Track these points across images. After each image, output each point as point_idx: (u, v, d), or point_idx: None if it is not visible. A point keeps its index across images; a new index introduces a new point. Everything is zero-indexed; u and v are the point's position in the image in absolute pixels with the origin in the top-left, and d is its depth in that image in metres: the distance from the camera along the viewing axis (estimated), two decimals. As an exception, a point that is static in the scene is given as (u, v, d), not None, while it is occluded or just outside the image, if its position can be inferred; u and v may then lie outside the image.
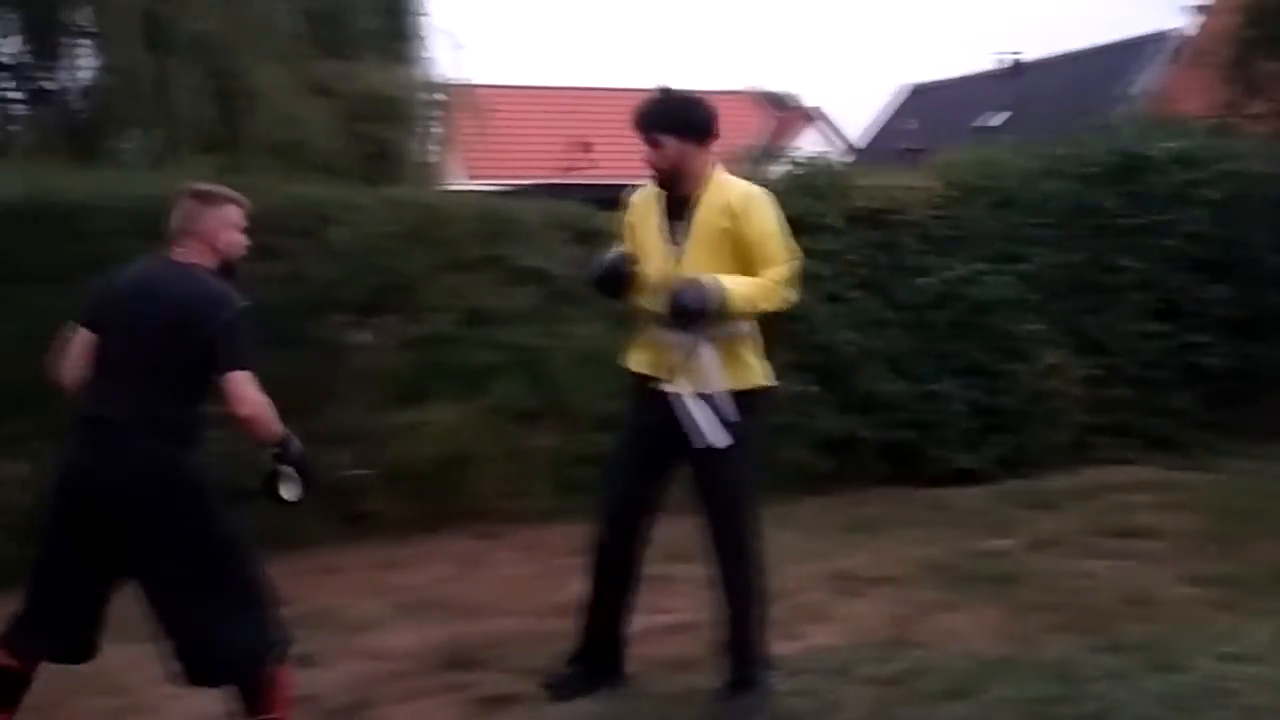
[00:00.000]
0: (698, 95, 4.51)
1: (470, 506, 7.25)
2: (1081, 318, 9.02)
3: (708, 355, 4.33)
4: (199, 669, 3.78)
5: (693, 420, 4.29)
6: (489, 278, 7.57)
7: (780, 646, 4.80)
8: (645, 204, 4.54)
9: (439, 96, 14.25)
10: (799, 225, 8.04)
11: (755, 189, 4.43)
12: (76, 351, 3.85)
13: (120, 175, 7.79)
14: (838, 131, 34.92)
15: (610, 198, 8.37)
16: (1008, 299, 8.68)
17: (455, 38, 31.32)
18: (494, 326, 7.51)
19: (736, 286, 4.25)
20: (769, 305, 4.38)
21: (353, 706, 4.56)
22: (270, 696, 3.82)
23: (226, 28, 12.09)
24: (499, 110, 22.24)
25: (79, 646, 3.87)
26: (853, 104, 67.83)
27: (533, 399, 7.54)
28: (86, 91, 12.86)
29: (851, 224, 8.50)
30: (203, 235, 3.89)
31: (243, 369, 3.70)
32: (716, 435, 4.28)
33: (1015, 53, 29.01)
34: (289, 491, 3.88)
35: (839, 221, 8.41)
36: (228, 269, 3.94)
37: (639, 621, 4.83)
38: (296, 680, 4.06)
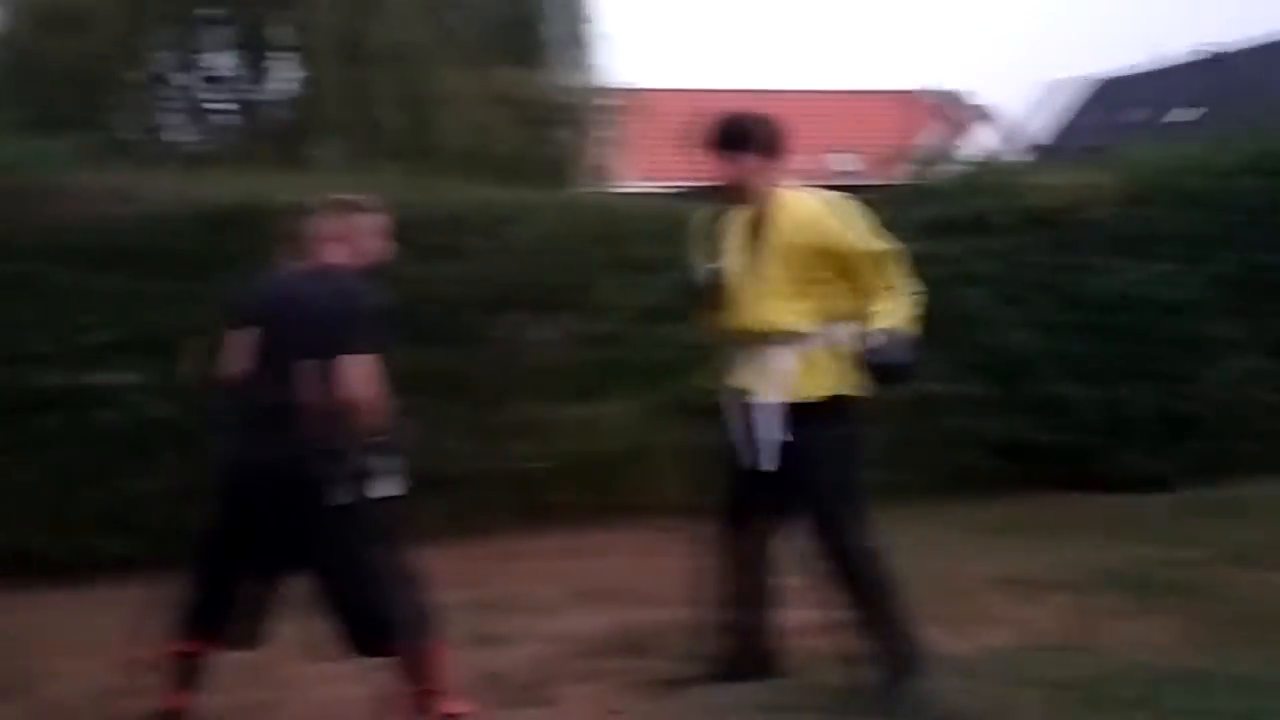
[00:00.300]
0: (765, 114, 4.56)
1: (646, 500, 7.35)
2: (1274, 320, 8.72)
3: (784, 365, 4.39)
4: (362, 637, 4.00)
5: (761, 430, 4.38)
6: (663, 277, 7.70)
7: (951, 645, 4.83)
8: (718, 223, 4.60)
9: (611, 101, 14.51)
10: (967, 225, 8.15)
11: (832, 198, 4.45)
12: (235, 349, 4.14)
13: (321, 180, 8.11)
14: (1017, 129, 34.16)
15: None
16: (1196, 301, 8.47)
17: (626, 42, 31.64)
18: (668, 324, 7.63)
19: (897, 316, 4.30)
20: (916, 310, 4.41)
21: (534, 684, 4.76)
22: (429, 671, 4.04)
23: (418, 39, 12.58)
24: (668, 112, 22.51)
25: (251, 632, 4.14)
26: (1034, 100, 65.71)
27: (706, 396, 7.62)
28: (289, 102, 13.55)
29: (1026, 223, 8.40)
30: (342, 241, 4.15)
31: (358, 353, 3.89)
32: (775, 445, 4.35)
33: (1211, 43, 27.61)
34: (383, 487, 3.98)
35: (1012, 221, 8.33)
36: (368, 274, 4.18)
37: (807, 615, 4.88)
38: (452, 659, 4.22)
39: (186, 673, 4.14)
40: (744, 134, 4.45)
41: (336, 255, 4.13)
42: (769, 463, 4.39)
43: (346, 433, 3.89)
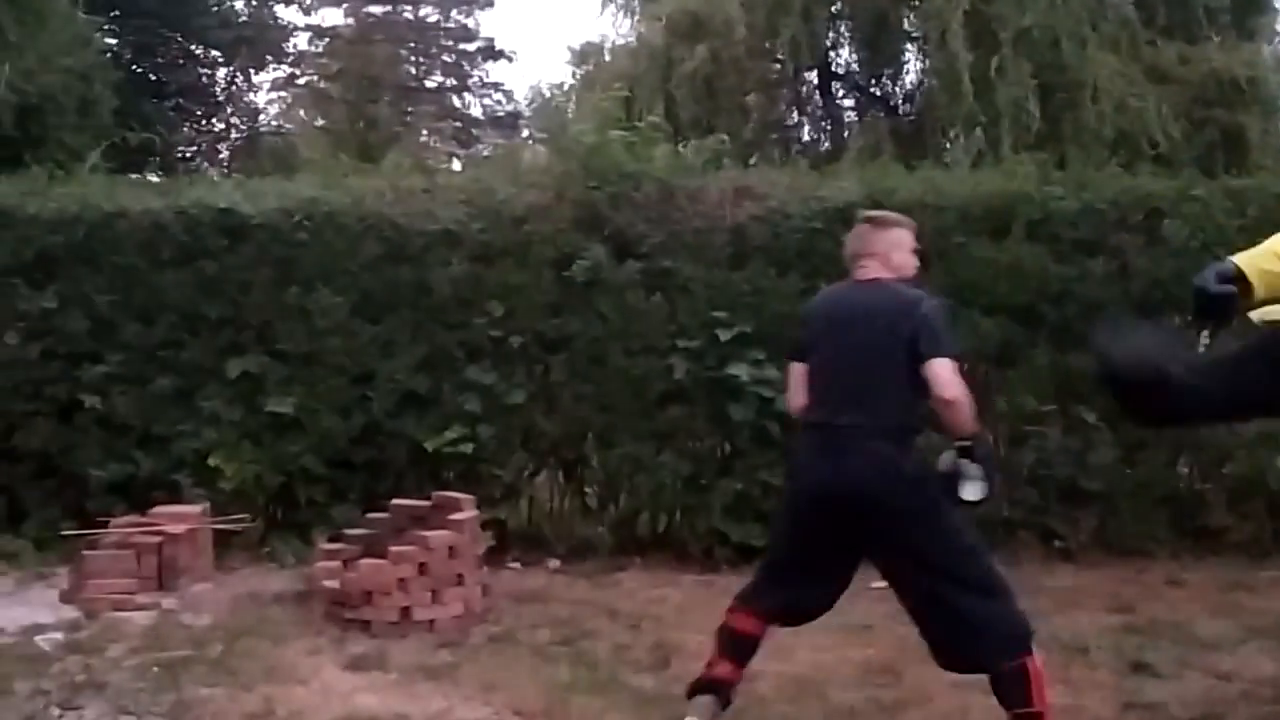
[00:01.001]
0: None
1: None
2: None
3: None
4: (954, 655, 4.05)
5: None
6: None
7: None
8: None
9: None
10: None
11: None
12: (797, 382, 4.39)
13: (945, 175, 8.09)
14: None
15: None
16: None
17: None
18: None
19: None
20: None
21: (1197, 720, 4.49)
22: (1030, 688, 3.93)
23: (1053, 19, 12.19)
24: None
25: (804, 613, 4.43)
26: None
27: None
28: (912, 94, 13.63)
29: None
30: (878, 256, 4.32)
31: (945, 357, 4.02)
32: None
33: None
34: (971, 491, 3.99)
35: None
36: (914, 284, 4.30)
37: None
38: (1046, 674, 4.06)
39: (739, 647, 4.37)
40: None
41: (874, 270, 4.31)
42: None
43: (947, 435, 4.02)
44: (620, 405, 7.25)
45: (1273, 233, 6.96)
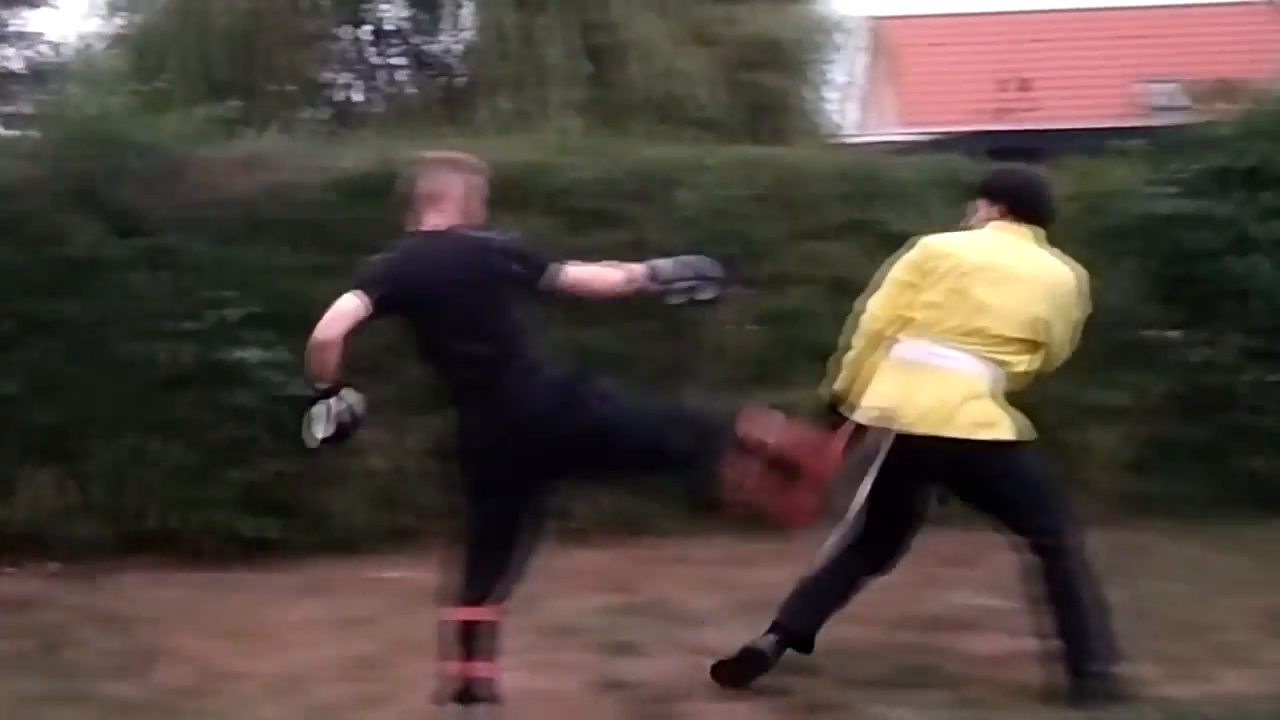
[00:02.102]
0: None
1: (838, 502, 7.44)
2: None
3: None
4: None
5: None
6: (856, 245, 7.75)
7: (1171, 687, 4.82)
8: None
9: (839, 36, 14.38)
10: (1257, 177, 7.80)
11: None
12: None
13: (470, 143, 8.39)
14: None
15: (1046, 148, 8.26)
16: None
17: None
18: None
19: None
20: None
21: (668, 698, 4.91)
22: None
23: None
24: (920, 46, 21.75)
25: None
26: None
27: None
28: (463, 55, 13.95)
29: None
30: (453, 200, 4.58)
31: (559, 262, 4.51)
32: None
33: None
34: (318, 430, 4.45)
35: None
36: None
37: (1007, 644, 5.21)
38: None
39: (473, 640, 4.56)
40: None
41: (447, 217, 4.55)
42: None
43: None
44: (123, 393, 7.27)
45: (782, 201, 7.82)
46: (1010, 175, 5.26)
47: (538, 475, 4.55)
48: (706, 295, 4.70)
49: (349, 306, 4.37)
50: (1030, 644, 5.19)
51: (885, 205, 7.84)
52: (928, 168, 8.12)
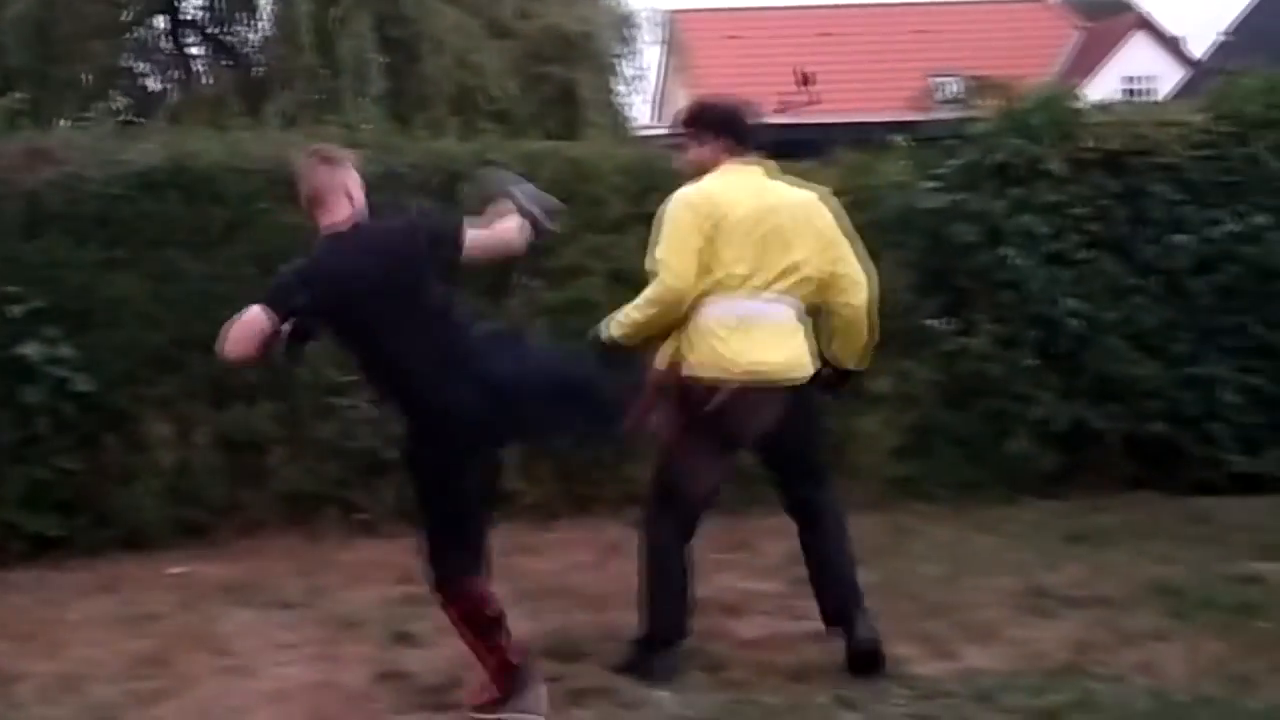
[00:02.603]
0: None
1: (620, 491, 7.56)
2: None
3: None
4: None
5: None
6: (637, 238, 7.90)
7: (926, 665, 5.03)
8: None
9: (632, 29, 14.56)
10: (1008, 173, 8.13)
11: (681, 191, 5.11)
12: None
13: (255, 137, 8.36)
14: (1175, 44, 33.16)
15: (826, 140, 8.47)
16: None
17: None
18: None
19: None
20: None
21: (443, 687, 4.99)
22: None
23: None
24: (717, 39, 22.05)
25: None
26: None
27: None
28: (261, 46, 13.82)
29: (1077, 169, 8.21)
30: (342, 194, 4.62)
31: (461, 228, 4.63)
32: None
33: None
34: None
35: (1059, 167, 8.17)
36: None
37: (768, 626, 5.41)
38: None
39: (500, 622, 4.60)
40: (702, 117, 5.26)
41: (339, 212, 4.57)
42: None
43: None
44: (-94, 391, 7.09)
45: (565, 195, 7.92)
46: (722, 107, 5.36)
47: (507, 440, 4.85)
48: (551, 226, 4.85)
49: (257, 325, 4.31)
50: (790, 626, 5.51)
51: (664, 199, 7.94)
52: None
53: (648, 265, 5.04)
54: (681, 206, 5.02)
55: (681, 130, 5.31)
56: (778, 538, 6.86)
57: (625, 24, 14.56)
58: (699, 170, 5.18)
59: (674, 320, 4.96)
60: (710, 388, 4.87)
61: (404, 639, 5.53)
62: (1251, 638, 5.33)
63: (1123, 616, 5.70)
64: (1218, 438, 8.03)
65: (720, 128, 5.17)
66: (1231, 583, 6.11)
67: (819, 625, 5.25)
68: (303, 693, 4.92)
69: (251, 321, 4.29)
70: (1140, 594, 6.00)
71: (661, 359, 5.03)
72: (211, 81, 14.29)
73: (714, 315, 4.91)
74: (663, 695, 4.82)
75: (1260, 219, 8.13)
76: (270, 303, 4.32)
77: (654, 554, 5.08)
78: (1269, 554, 6.56)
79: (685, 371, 4.94)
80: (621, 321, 5.05)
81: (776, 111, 19.46)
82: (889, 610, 5.41)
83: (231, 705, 4.87)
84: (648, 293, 5.00)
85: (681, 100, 20.45)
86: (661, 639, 5.06)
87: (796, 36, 25.42)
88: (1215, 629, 5.45)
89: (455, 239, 4.60)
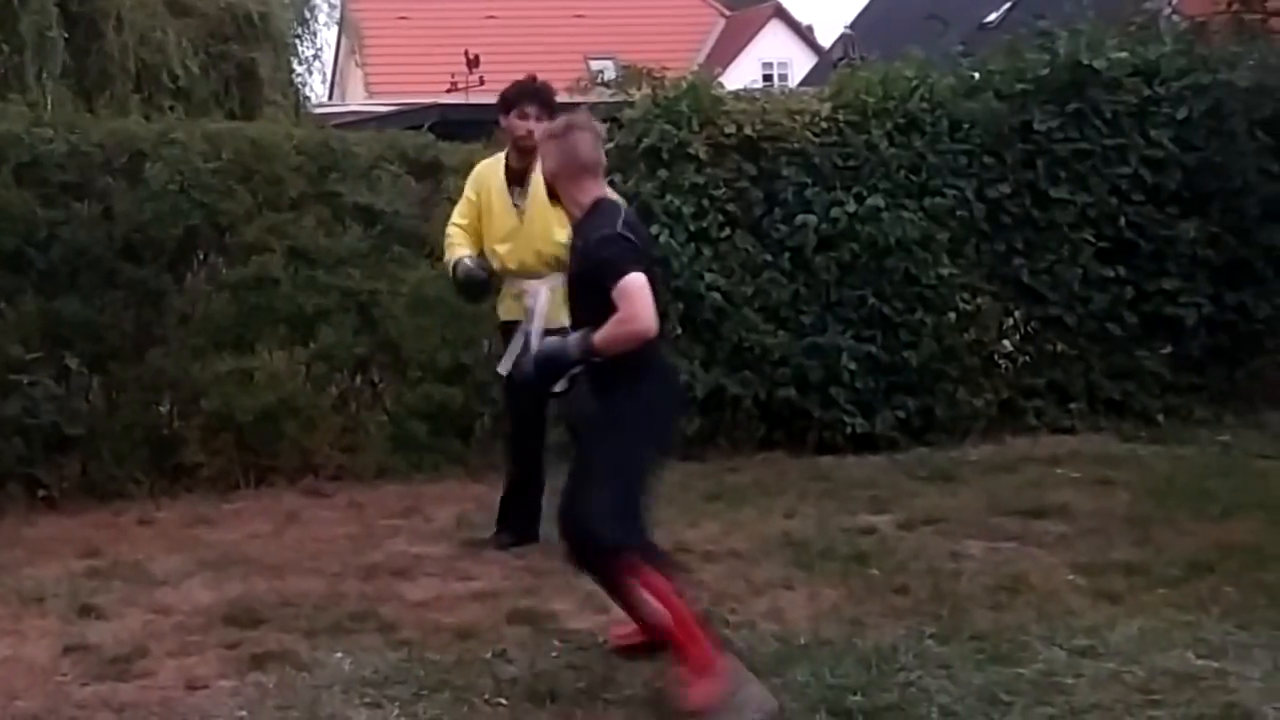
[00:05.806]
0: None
1: (298, 461, 7.62)
2: (1010, 261, 8.63)
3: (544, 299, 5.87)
4: None
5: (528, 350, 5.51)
6: (316, 216, 7.89)
7: (582, 620, 5.17)
8: (489, 173, 6.20)
9: (308, 10, 14.38)
10: (657, 156, 8.29)
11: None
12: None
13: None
14: (806, 32, 34.35)
15: (491, 120, 8.52)
16: (912, 239, 8.30)
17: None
18: (321, 269, 7.80)
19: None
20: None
21: (127, 657, 4.90)
22: None
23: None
24: (388, 21, 21.75)
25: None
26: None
27: (363, 346, 7.88)
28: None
29: (718, 153, 8.29)
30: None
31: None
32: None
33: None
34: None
35: (702, 151, 8.21)
36: None
37: (437, 588, 5.52)
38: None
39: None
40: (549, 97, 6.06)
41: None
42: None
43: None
44: None
45: (245, 174, 7.83)
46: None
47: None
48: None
49: (648, 289, 4.33)
50: (458, 587, 5.63)
51: (339, 179, 7.99)
52: (377, 142, 8.31)
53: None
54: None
55: (539, 109, 5.92)
56: (446, 504, 7.10)
57: (303, 4, 14.33)
58: None
59: None
60: None
61: (89, 612, 5.40)
62: (865, 583, 5.64)
63: (753, 568, 5.92)
64: (838, 401, 8.26)
65: (555, 107, 5.86)
66: (849, 534, 6.39)
67: (484, 585, 5.53)
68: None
69: (645, 288, 4.30)
70: (769, 547, 6.23)
71: None
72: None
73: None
74: (336, 656, 4.86)
75: (876, 200, 8.33)
76: (636, 265, 4.32)
77: None
78: (881, 507, 6.91)
79: None
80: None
81: (448, 92, 19.34)
82: (546, 568, 5.58)
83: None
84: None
85: (357, 80, 20.26)
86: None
87: (463, 18, 25.46)
88: (834, 577, 5.73)
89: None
